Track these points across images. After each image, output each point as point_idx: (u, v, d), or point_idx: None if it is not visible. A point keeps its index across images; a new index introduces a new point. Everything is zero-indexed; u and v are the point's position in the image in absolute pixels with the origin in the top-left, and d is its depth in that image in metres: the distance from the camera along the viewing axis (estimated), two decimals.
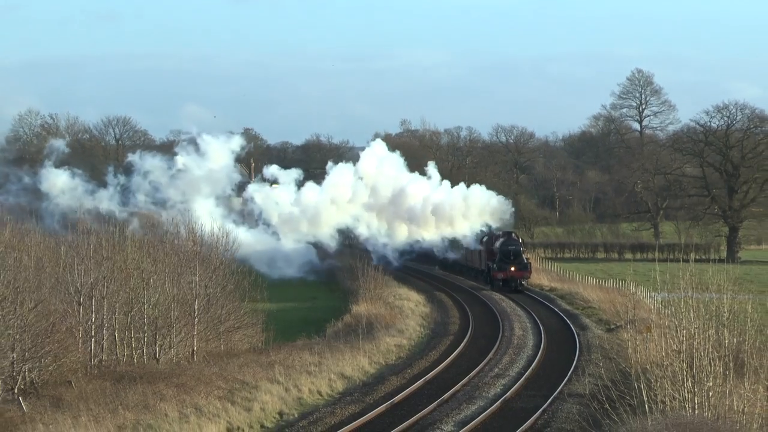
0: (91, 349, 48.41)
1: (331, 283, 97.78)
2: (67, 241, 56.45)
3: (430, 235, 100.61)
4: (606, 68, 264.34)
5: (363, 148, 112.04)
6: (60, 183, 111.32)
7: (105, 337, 49.53)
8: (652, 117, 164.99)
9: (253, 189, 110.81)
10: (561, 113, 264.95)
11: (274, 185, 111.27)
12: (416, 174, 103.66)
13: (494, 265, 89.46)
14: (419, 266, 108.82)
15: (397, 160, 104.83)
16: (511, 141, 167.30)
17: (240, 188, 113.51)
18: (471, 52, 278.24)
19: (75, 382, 43.78)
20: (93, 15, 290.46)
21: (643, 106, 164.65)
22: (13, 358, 41.81)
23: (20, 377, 42.27)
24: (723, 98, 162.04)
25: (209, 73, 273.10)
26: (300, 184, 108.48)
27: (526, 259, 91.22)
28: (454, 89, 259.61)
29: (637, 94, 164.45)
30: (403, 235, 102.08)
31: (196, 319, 54.43)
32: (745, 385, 33.08)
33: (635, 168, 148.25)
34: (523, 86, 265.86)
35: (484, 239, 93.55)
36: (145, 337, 51.63)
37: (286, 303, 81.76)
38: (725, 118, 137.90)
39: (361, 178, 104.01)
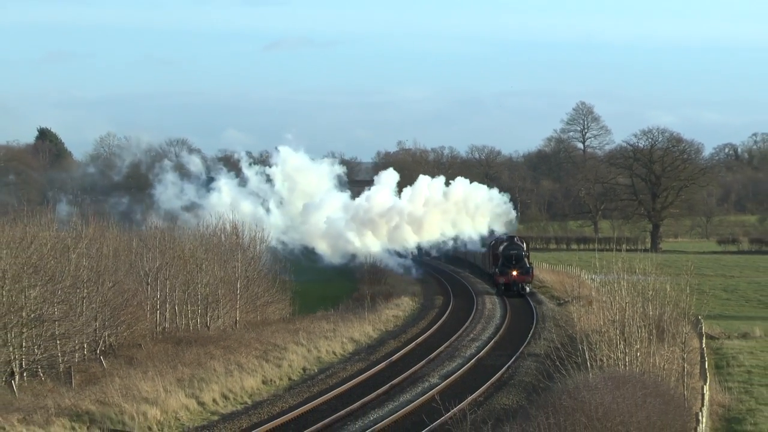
0: (156, 319, 48.32)
1: (342, 269, 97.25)
2: (138, 234, 56.36)
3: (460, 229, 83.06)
4: (555, 102, 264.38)
5: (367, 164, 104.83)
6: None
7: (167, 310, 49.44)
8: (592, 139, 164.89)
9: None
10: (521, 136, 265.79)
11: None
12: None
13: (496, 269, 71.71)
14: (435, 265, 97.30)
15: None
16: (483, 157, 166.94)
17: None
18: (448, 89, 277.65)
19: (144, 345, 43.73)
20: (154, 60, 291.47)
21: (586, 130, 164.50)
22: (95, 326, 41.75)
23: (101, 341, 42.20)
24: (647, 124, 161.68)
25: (245, 105, 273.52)
26: None
27: (529, 263, 72.16)
28: (437, 117, 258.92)
29: (581, 121, 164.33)
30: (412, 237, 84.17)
31: (238, 296, 54.35)
32: (665, 347, 33.01)
33: (579, 178, 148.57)
34: (490, 116, 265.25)
35: (491, 243, 76.20)
36: (198, 309, 51.52)
37: (309, 283, 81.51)
38: (649, 140, 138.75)
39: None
